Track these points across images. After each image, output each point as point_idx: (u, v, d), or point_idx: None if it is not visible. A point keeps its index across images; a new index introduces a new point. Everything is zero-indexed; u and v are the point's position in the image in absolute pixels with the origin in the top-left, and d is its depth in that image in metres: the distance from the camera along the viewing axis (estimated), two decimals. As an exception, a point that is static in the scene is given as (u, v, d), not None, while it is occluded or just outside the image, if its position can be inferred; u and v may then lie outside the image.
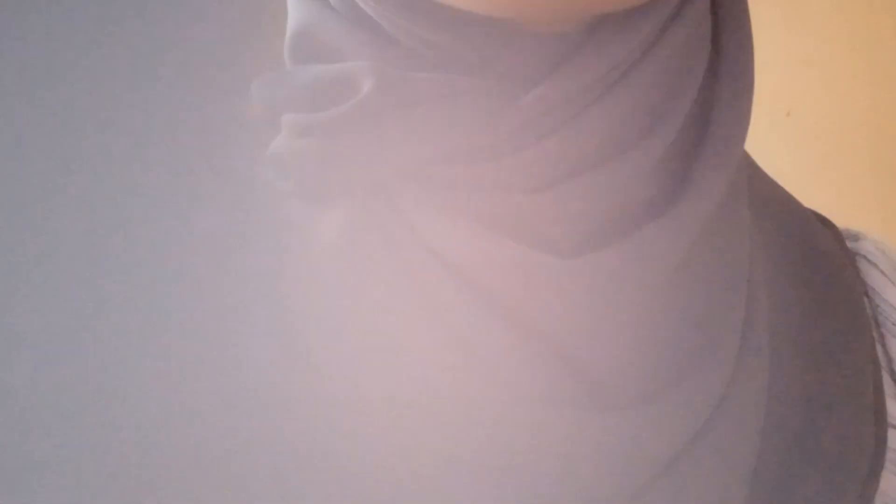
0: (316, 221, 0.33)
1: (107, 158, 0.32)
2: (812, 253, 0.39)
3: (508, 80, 0.31)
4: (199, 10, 0.34)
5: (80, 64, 0.33)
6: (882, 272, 0.40)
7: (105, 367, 0.30)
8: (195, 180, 0.32)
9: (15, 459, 0.29)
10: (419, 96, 0.31)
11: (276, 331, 0.31)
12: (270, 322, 0.31)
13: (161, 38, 0.34)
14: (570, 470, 0.31)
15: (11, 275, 0.31)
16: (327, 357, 0.31)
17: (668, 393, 0.32)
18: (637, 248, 0.32)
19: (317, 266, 0.32)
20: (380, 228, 0.32)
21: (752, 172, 0.40)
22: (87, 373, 0.30)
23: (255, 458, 0.30)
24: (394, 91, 0.32)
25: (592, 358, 0.32)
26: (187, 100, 0.33)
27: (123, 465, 0.29)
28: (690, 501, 0.32)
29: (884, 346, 0.40)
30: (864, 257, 0.41)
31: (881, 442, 0.37)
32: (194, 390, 0.30)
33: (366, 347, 0.31)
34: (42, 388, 0.30)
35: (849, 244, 0.42)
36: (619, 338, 0.32)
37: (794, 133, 1.07)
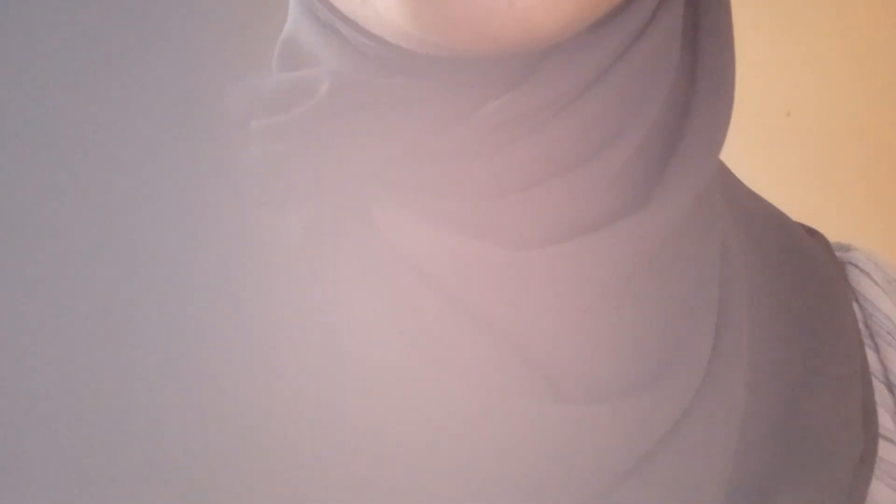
0: (279, 226, 0.33)
1: (70, 162, 0.32)
2: (797, 262, 0.39)
3: (469, 88, 0.32)
4: (181, 12, 0.34)
5: (54, 66, 0.32)
6: (875, 282, 0.40)
7: (71, 366, 0.30)
8: (161, 187, 0.32)
9: (14, 460, 0.29)
10: (374, 99, 0.32)
11: (240, 333, 0.31)
12: (235, 326, 0.31)
13: (136, 40, 0.34)
14: (528, 463, 0.31)
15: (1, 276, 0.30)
16: (290, 356, 0.31)
17: (637, 391, 0.32)
18: (594, 244, 0.32)
19: (280, 268, 0.32)
20: (342, 229, 0.33)
21: (734, 185, 0.40)
22: (57, 371, 0.30)
23: (216, 458, 0.30)
24: (348, 94, 0.32)
25: (548, 350, 0.32)
26: (157, 109, 0.33)
27: (89, 464, 0.29)
28: (661, 501, 0.32)
29: (878, 355, 0.39)
30: (857, 266, 0.41)
31: (869, 449, 0.37)
32: (159, 393, 0.30)
33: (329, 346, 0.31)
34: (21, 392, 0.30)
35: (839, 254, 0.42)
36: (575, 331, 0.32)
37: (794, 133, 1.06)
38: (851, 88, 1.05)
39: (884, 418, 0.38)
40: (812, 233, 0.42)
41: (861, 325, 0.39)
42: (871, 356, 0.39)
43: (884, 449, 0.37)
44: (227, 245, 0.32)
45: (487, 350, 0.32)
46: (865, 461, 0.36)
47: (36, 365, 0.30)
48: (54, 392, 0.30)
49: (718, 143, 0.34)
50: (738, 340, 0.35)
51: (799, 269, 0.39)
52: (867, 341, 0.39)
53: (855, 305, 0.40)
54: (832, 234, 0.43)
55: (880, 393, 0.38)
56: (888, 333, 0.39)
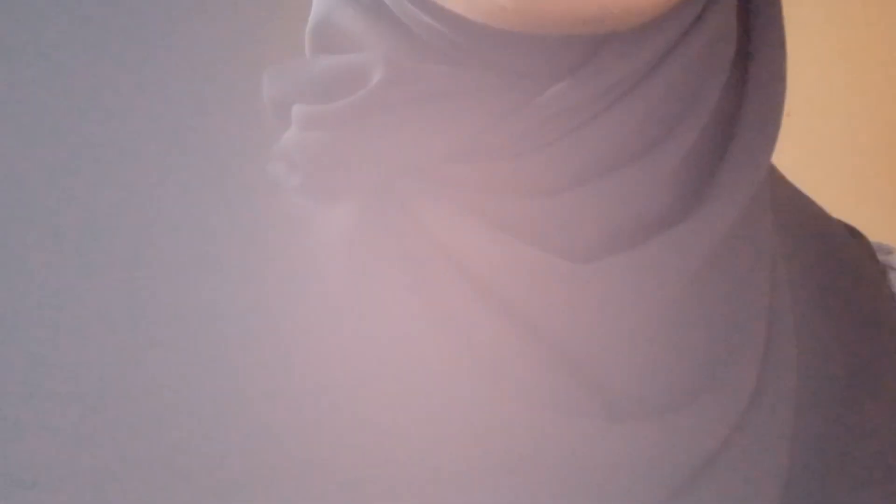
0: (322, 218, 0.32)
1: (110, 153, 0.32)
2: (841, 266, 0.38)
3: (524, 78, 0.31)
4: (208, 1, 0.34)
5: (86, 59, 0.32)
6: None
7: (118, 365, 0.30)
8: (200, 176, 0.32)
9: (13, 460, 0.28)
10: (429, 90, 0.31)
11: (280, 328, 0.31)
12: (276, 319, 0.31)
13: (168, 29, 0.34)
14: (580, 482, 0.30)
15: (13, 272, 0.30)
16: (332, 356, 0.31)
17: (687, 405, 0.31)
18: (652, 254, 0.31)
19: (323, 263, 0.32)
20: (388, 226, 0.32)
21: (780, 183, 0.39)
22: (91, 369, 0.30)
23: (261, 455, 0.30)
24: (404, 83, 0.31)
25: (603, 366, 0.31)
26: (193, 93, 0.33)
27: (121, 464, 0.29)
28: None
29: None
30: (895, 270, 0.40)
31: None
32: (203, 389, 0.30)
33: (371, 347, 0.31)
34: (38, 387, 0.29)
35: (880, 257, 0.40)
36: (631, 346, 0.31)
37: (794, 133, 1.06)
38: (852, 88, 1.05)
39: None
40: (854, 233, 0.41)
41: None
42: None
43: None
44: (266, 240, 0.32)
45: (539, 363, 0.31)
46: None
47: (57, 363, 0.30)
48: (71, 389, 0.29)
49: (772, 141, 0.33)
50: (788, 352, 0.34)
51: (842, 277, 0.38)
52: None
53: None
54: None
55: None
56: None
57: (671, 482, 0.31)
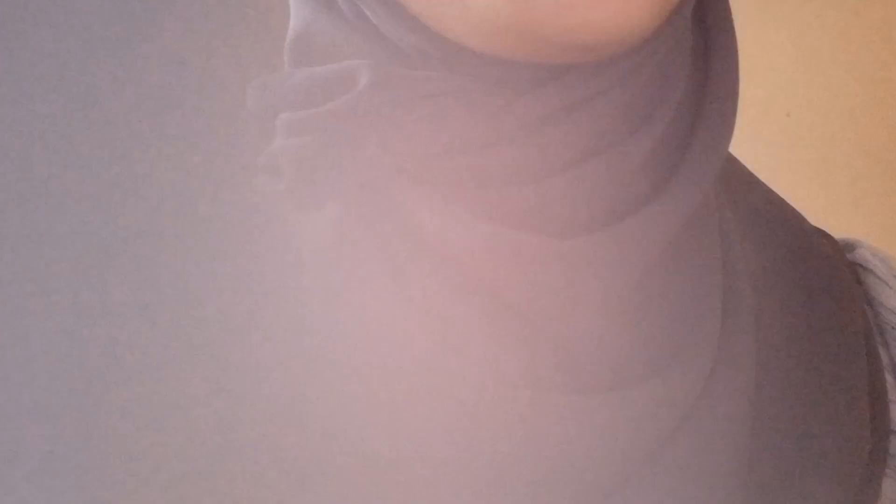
0: (308, 221, 0.33)
1: (96, 160, 0.32)
2: (804, 262, 0.40)
3: (501, 84, 0.32)
4: (195, 10, 0.34)
5: (72, 64, 0.33)
6: (879, 278, 0.41)
7: (94, 368, 0.30)
8: (187, 185, 0.32)
9: (13, 459, 0.29)
10: (416, 93, 0.32)
11: (265, 330, 0.31)
12: (260, 321, 0.31)
13: (155, 38, 0.34)
14: (552, 454, 0.31)
15: (7, 274, 0.30)
16: (316, 354, 0.31)
17: (651, 378, 0.33)
18: (624, 232, 0.33)
19: (307, 264, 0.32)
20: (371, 224, 0.33)
21: (747, 182, 0.41)
22: (78, 372, 0.30)
23: (245, 454, 0.30)
24: (391, 87, 0.32)
25: (575, 339, 0.32)
26: (179, 103, 0.33)
27: (112, 466, 0.29)
28: (675, 490, 0.33)
29: (888, 351, 0.40)
30: (861, 266, 0.41)
31: (880, 447, 0.37)
32: (183, 391, 0.30)
33: (353, 342, 0.32)
34: (32, 389, 0.30)
35: (847, 255, 0.42)
36: (601, 320, 0.33)
37: (794, 133, 1.07)
38: (851, 88, 1.06)
39: (894, 411, 0.38)
40: (824, 236, 0.42)
41: (873, 324, 0.40)
42: (882, 353, 0.39)
43: (893, 443, 0.38)
44: (252, 241, 0.32)
45: (512, 339, 0.32)
46: (876, 458, 0.37)
47: (45, 366, 0.30)
48: (61, 391, 0.30)
49: (729, 131, 0.35)
50: (745, 324, 0.35)
51: (806, 269, 0.39)
52: (879, 339, 0.39)
53: (866, 306, 0.40)
54: (833, 234, 0.43)
55: (891, 388, 0.39)
56: (893, 328, 0.40)
57: (636, 453, 0.32)
